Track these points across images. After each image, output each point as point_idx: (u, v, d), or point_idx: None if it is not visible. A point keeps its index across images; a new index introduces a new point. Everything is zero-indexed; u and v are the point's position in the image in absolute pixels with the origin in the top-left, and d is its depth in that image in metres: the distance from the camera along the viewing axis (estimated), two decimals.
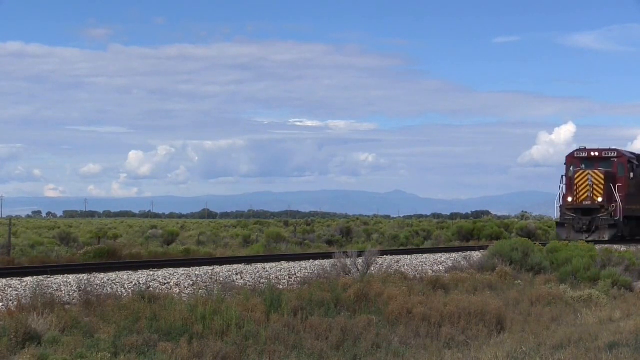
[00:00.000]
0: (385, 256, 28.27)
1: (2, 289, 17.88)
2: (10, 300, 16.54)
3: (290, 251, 37.81)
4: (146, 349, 12.85)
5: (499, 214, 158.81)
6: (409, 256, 30.23)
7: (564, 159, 46.65)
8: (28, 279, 19.67)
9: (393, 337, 14.98)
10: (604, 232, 43.46)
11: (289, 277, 22.40)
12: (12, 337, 13.00)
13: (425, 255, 30.87)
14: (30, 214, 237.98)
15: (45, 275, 20.29)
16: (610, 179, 44.57)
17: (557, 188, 46.16)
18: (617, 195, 44.08)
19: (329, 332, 14.56)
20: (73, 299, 16.81)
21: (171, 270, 22.80)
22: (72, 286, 18.28)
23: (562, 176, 45.61)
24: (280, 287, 19.61)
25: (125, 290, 18.51)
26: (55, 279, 19.57)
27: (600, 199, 44.03)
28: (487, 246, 29.58)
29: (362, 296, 17.54)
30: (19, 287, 18.22)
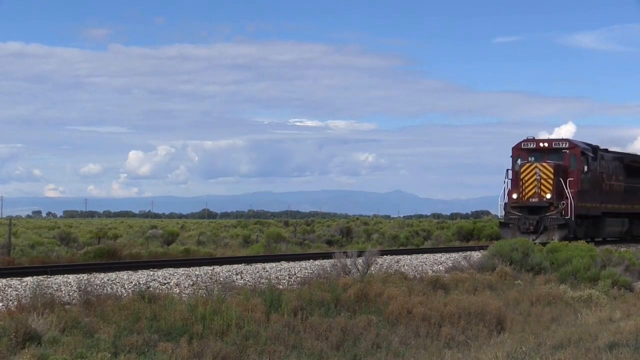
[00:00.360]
0: (385, 256, 28.25)
1: (2, 289, 17.87)
2: (10, 300, 16.53)
3: (290, 251, 37.79)
4: (146, 349, 12.85)
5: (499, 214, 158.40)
6: (409, 256, 30.22)
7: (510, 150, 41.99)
8: (28, 279, 19.65)
9: (393, 337, 14.98)
10: (553, 233, 38.48)
11: (289, 277, 22.39)
12: (12, 337, 12.99)
13: (425, 255, 30.85)
14: (30, 214, 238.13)
15: (45, 275, 20.27)
16: (560, 172, 39.76)
17: None
18: (568, 191, 39.13)
19: (329, 332, 14.56)
20: (73, 299, 16.80)
21: (171, 270, 22.78)
22: (72, 286, 18.27)
23: (507, 170, 40.83)
24: (280, 287, 19.60)
25: (125, 290, 18.50)
26: (55, 279, 19.55)
27: (548, 196, 39.18)
28: (487, 246, 29.58)
29: (362, 296, 17.53)
30: (19, 287, 18.20)
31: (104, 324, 14.20)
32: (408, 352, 13.96)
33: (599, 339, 14.75)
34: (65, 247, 38.25)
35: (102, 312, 15.05)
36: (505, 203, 40.16)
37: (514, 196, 39.85)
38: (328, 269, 22.22)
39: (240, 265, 25.01)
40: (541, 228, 38.96)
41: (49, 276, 20.16)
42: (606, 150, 45.42)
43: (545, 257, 26.48)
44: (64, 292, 17.69)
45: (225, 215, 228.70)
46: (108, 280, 19.92)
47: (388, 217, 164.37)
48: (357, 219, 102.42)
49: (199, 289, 18.45)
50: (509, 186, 40.29)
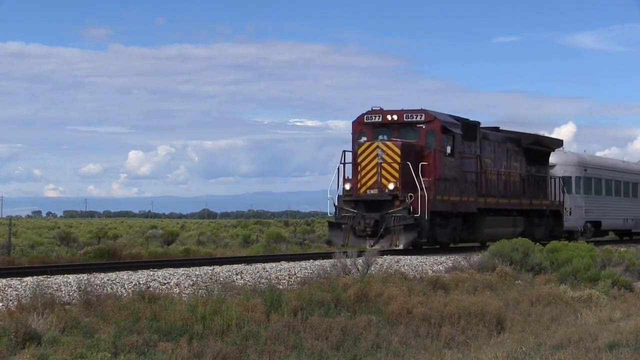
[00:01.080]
0: (385, 256, 28.20)
1: (2, 289, 17.85)
2: (10, 300, 16.51)
3: (290, 251, 37.74)
4: (146, 349, 12.84)
5: None
6: (409, 256, 30.17)
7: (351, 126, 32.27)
8: (28, 279, 19.64)
9: (393, 337, 14.97)
10: (398, 237, 29.87)
11: (289, 277, 22.37)
12: (12, 337, 12.99)
13: (425, 255, 30.82)
14: (30, 214, 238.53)
15: (45, 275, 20.25)
16: (411, 154, 30.32)
17: None
18: (420, 180, 29.73)
19: (329, 332, 14.55)
20: (73, 299, 16.79)
21: (171, 270, 22.76)
22: (72, 286, 18.25)
23: (343, 152, 31.40)
24: (280, 287, 19.58)
25: (125, 290, 18.48)
26: (55, 279, 19.54)
27: (391, 186, 29.94)
28: (487, 246, 29.54)
29: (362, 296, 17.52)
30: (19, 287, 18.19)
31: (104, 324, 14.19)
32: (408, 352, 13.95)
33: (599, 339, 14.74)
34: (65, 247, 38.25)
35: (102, 312, 15.03)
36: (338, 196, 31.09)
37: (347, 187, 30.81)
38: (328, 269, 22.21)
39: (240, 265, 25.00)
40: (381, 230, 29.95)
41: (49, 276, 20.14)
42: (496, 129, 36.87)
43: (545, 257, 26.50)
44: (64, 292, 17.68)
45: (225, 215, 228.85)
46: (108, 280, 19.91)
47: None
48: None
49: (199, 289, 18.44)
50: (344, 173, 31.25)
